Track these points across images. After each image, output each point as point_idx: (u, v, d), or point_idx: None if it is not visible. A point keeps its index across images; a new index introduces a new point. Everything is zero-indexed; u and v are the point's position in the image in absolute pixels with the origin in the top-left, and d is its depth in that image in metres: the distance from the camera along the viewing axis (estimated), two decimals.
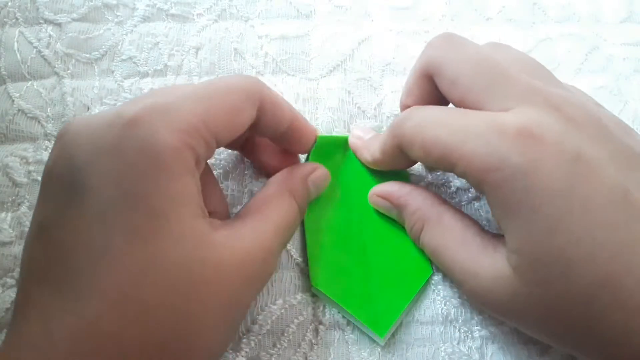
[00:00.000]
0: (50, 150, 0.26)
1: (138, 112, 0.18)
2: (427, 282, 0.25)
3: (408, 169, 0.27)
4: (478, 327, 0.24)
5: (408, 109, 0.23)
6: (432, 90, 0.23)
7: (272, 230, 0.21)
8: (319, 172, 0.25)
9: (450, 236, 0.22)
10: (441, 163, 0.20)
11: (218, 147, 0.20)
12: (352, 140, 0.26)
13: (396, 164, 0.24)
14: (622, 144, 0.20)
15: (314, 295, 0.25)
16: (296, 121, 0.23)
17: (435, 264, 0.24)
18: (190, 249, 0.18)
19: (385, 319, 0.24)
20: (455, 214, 0.23)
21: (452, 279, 0.23)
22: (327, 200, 0.26)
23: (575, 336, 0.19)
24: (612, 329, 0.18)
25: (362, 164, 0.26)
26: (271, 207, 0.22)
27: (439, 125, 0.21)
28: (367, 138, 0.26)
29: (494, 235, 0.22)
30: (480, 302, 0.21)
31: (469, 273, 0.21)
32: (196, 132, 0.18)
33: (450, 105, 0.23)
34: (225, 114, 0.20)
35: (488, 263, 0.20)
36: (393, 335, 0.24)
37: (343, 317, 0.25)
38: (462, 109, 0.21)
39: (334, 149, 0.26)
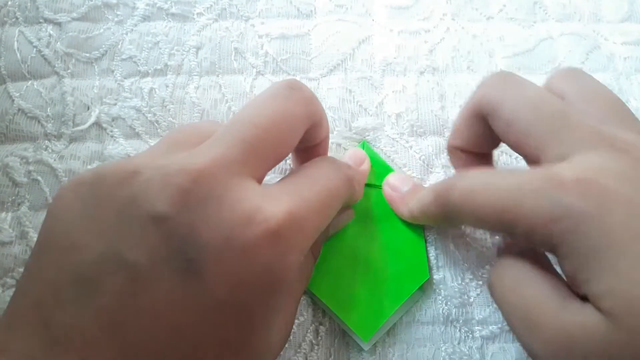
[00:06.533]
0: (51, 151, 0.27)
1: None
2: (423, 287, 0.25)
3: None
4: (479, 327, 0.24)
5: (451, 177, 0.22)
6: (483, 131, 0.22)
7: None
8: (344, 214, 0.25)
9: (527, 276, 0.19)
10: (498, 228, 0.19)
11: None
12: (387, 192, 0.25)
13: (438, 224, 0.25)
14: None
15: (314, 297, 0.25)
16: (327, 138, 0.23)
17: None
18: None
19: (370, 323, 0.23)
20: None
21: (522, 323, 0.19)
22: None
23: None
24: None
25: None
26: None
27: (489, 189, 0.19)
28: (404, 190, 0.25)
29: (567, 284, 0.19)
30: (562, 351, 0.17)
31: (550, 315, 0.18)
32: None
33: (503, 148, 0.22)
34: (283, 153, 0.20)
35: (575, 307, 0.17)
36: (394, 335, 0.24)
37: None
38: (509, 170, 0.20)
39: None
